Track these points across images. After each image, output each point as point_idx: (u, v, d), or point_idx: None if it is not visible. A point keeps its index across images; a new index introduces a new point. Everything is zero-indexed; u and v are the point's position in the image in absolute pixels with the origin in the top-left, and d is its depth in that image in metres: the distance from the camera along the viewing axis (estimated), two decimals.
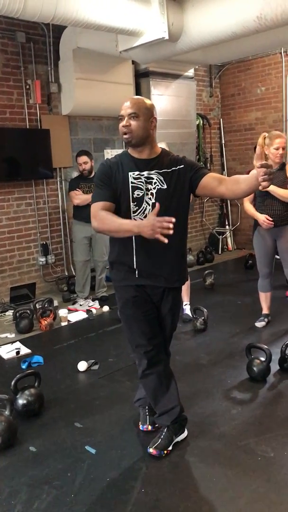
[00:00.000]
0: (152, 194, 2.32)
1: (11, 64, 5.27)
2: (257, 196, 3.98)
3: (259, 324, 4.30)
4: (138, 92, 6.25)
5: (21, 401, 2.90)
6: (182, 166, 2.36)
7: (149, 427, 2.71)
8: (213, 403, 3.02)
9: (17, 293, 5.34)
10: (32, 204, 5.60)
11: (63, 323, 4.71)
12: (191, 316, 4.50)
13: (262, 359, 3.28)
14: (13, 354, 3.96)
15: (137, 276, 2.39)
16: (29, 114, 5.46)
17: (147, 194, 2.31)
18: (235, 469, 2.36)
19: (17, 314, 4.58)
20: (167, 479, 2.31)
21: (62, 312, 4.76)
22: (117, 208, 2.30)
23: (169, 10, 4.26)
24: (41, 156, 5.49)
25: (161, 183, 2.32)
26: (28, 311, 4.61)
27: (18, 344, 4.15)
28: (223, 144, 8.01)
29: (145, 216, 2.29)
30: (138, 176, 2.31)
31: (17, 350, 4.01)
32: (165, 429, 2.54)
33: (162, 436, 2.53)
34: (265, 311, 4.37)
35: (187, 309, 4.66)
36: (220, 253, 7.76)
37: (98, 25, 4.03)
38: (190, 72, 6.74)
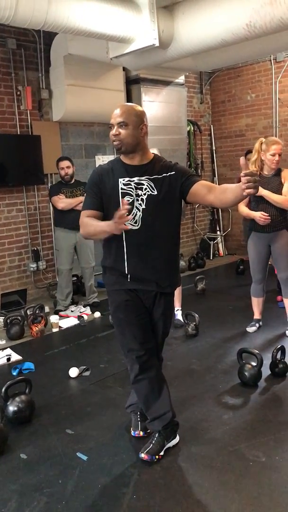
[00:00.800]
0: (142, 200, 2.34)
1: (2, 70, 5.28)
2: (252, 201, 3.99)
3: (250, 329, 4.31)
4: (129, 98, 6.28)
5: (11, 408, 2.88)
6: (173, 172, 2.38)
7: (141, 433, 2.70)
8: (205, 408, 3.01)
9: (8, 299, 5.31)
10: (23, 210, 5.59)
11: (54, 329, 4.69)
12: (182, 321, 4.50)
13: (254, 364, 3.28)
14: (4, 360, 3.94)
15: (129, 280, 2.40)
16: (20, 120, 5.47)
17: (137, 200, 2.34)
18: (227, 474, 2.36)
19: (8, 321, 4.55)
20: (159, 484, 2.30)
21: (53, 318, 4.73)
22: (108, 214, 2.32)
23: (160, 17, 4.29)
24: (32, 162, 5.49)
25: (152, 189, 2.34)
26: (19, 318, 4.59)
27: (9, 351, 4.13)
28: (214, 150, 8.06)
29: (135, 222, 2.32)
30: (128, 182, 2.33)
31: (8, 356, 3.98)
32: (157, 435, 2.53)
33: (153, 442, 2.52)
34: (256, 316, 4.38)
35: (178, 315, 4.65)
36: (211, 258, 7.78)
37: (89, 31, 4.05)
38: (181, 79, 6.79)
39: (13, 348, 4.22)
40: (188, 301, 5.07)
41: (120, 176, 2.35)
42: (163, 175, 2.37)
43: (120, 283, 2.42)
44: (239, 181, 2.20)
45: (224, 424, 2.82)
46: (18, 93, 5.40)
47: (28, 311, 4.76)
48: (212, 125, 8.06)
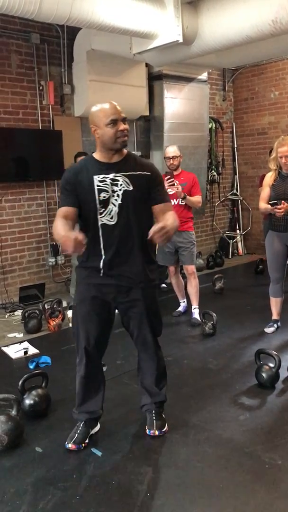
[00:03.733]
0: (118, 195, 2.38)
1: (25, 65, 5.30)
2: (271, 200, 3.94)
3: (268, 330, 4.27)
4: (151, 94, 6.26)
5: (28, 401, 2.90)
6: (149, 174, 2.45)
7: (156, 432, 2.68)
8: (221, 408, 2.99)
9: (26, 293, 5.36)
10: (43, 205, 5.62)
11: (72, 324, 4.70)
12: (199, 320, 4.48)
13: (271, 365, 3.24)
14: (21, 354, 3.97)
15: (101, 275, 2.44)
16: (42, 115, 5.49)
17: (113, 196, 2.37)
18: (242, 476, 2.33)
19: (26, 314, 4.58)
20: (174, 483, 2.29)
21: (71, 313, 4.74)
22: (85, 210, 2.38)
23: (184, 13, 4.26)
24: (53, 157, 5.51)
25: (127, 185, 2.39)
26: (37, 311, 4.62)
27: (26, 344, 4.16)
28: (235, 148, 7.98)
29: (112, 217, 2.38)
30: (104, 179, 2.37)
31: (25, 350, 4.01)
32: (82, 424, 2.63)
33: (78, 431, 2.60)
34: (275, 316, 4.33)
35: (195, 313, 4.64)
36: (230, 257, 7.72)
37: (112, 27, 4.04)
38: (204, 76, 6.74)
39: (30, 341, 4.25)
40: (206, 300, 5.04)
41: (94, 173, 2.38)
42: (139, 172, 2.42)
43: (92, 277, 2.45)
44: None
45: (240, 425, 2.79)
46: (41, 88, 5.43)
47: (46, 305, 4.79)
48: (234, 123, 7.98)
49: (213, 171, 7.53)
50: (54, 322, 4.55)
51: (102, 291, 2.46)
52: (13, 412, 2.65)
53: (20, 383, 2.92)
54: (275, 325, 4.30)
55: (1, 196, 5.25)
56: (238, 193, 8.01)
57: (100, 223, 2.39)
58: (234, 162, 8.02)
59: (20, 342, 4.22)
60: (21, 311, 4.82)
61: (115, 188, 2.37)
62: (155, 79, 6.25)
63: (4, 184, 5.24)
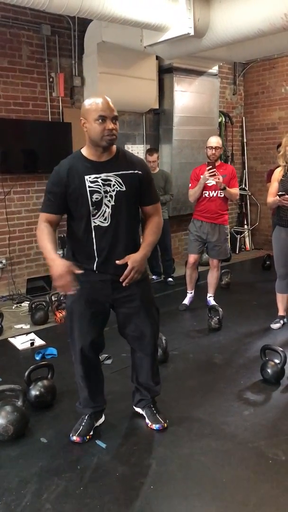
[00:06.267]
0: (111, 196, 2.32)
1: (36, 56, 5.29)
2: (281, 191, 3.93)
3: (274, 326, 4.26)
4: (161, 87, 6.24)
5: (33, 392, 2.92)
6: (141, 173, 2.39)
7: (165, 425, 2.70)
8: (226, 403, 3.00)
9: (34, 284, 5.38)
10: None
11: None
12: (216, 304, 4.50)
13: (277, 361, 3.24)
14: (28, 345, 3.99)
15: (96, 271, 2.41)
16: (52, 107, 5.49)
17: (106, 197, 2.32)
18: (245, 471, 2.34)
19: (33, 306, 4.61)
20: (177, 477, 2.30)
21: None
22: (77, 212, 2.33)
23: (196, 6, 4.23)
24: (62, 149, 5.49)
25: (120, 185, 2.33)
26: (44, 303, 4.64)
27: (32, 336, 4.18)
28: (245, 143, 7.94)
29: (105, 219, 2.33)
30: (95, 179, 2.30)
31: (32, 341, 4.04)
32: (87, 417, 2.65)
33: (83, 423, 2.62)
34: (281, 312, 4.32)
35: (211, 301, 4.82)
36: (237, 252, 7.70)
37: (123, 19, 4.02)
38: (214, 69, 6.69)
39: (37, 333, 4.27)
40: None
41: (85, 173, 2.30)
42: (130, 171, 2.36)
43: (86, 275, 2.38)
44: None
45: (244, 420, 2.80)
46: (51, 79, 5.42)
47: (53, 297, 4.81)
48: (244, 117, 7.93)
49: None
50: (61, 314, 4.57)
51: (97, 288, 2.42)
52: (19, 403, 2.67)
53: (26, 374, 2.95)
54: (281, 321, 4.29)
55: (10, 187, 5.26)
56: (247, 188, 7.98)
57: (93, 225, 2.33)
58: (243, 157, 7.98)
59: (27, 334, 4.25)
60: (28, 302, 4.84)
61: (108, 189, 2.30)
62: (165, 72, 6.22)
63: (13, 176, 5.25)
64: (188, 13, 4.19)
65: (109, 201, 2.32)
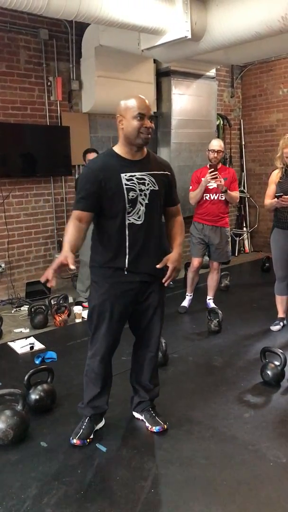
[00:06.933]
0: (145, 195, 2.37)
1: (33, 61, 5.30)
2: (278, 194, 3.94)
3: (274, 328, 4.26)
4: (159, 91, 6.24)
5: (33, 396, 2.92)
6: (169, 174, 2.49)
7: (165, 426, 2.70)
8: (226, 406, 2.99)
9: (33, 288, 5.37)
10: (50, 201, 5.63)
11: (78, 320, 4.72)
12: (216, 307, 4.50)
13: (277, 363, 3.24)
14: (27, 349, 3.99)
15: (126, 273, 2.42)
16: (50, 111, 5.49)
17: (141, 195, 2.36)
18: (246, 474, 2.34)
19: (32, 310, 4.60)
20: (177, 480, 2.30)
21: (77, 309, 4.77)
22: (112, 209, 2.34)
23: (193, 9, 4.24)
24: (60, 153, 5.52)
25: (153, 185, 2.39)
26: (43, 307, 4.64)
27: (32, 339, 4.17)
28: (243, 145, 7.95)
29: (139, 217, 2.37)
30: (131, 177, 2.34)
31: (31, 345, 4.03)
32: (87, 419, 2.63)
33: (83, 426, 2.61)
34: (280, 314, 4.32)
35: (211, 303, 4.82)
36: (236, 255, 7.70)
37: (121, 23, 4.03)
38: (212, 72, 6.70)
39: (36, 337, 4.27)
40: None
41: (121, 171, 2.33)
42: (161, 172, 2.44)
43: (116, 276, 2.41)
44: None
45: (245, 422, 2.79)
46: (49, 83, 5.43)
47: (52, 301, 4.81)
48: (242, 120, 7.95)
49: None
50: (60, 318, 4.57)
51: (125, 289, 2.43)
52: (19, 407, 2.66)
53: (26, 378, 2.94)
54: (281, 323, 4.29)
55: (9, 191, 5.26)
56: (245, 191, 7.98)
57: (127, 222, 2.35)
58: (242, 160, 7.99)
59: (26, 337, 4.24)
60: (28, 306, 4.84)
61: (142, 187, 2.35)
62: (163, 76, 6.23)
63: (11, 180, 5.25)
64: (185, 17, 4.20)
65: (143, 199, 2.37)
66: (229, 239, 4.81)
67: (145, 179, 2.36)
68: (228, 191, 4.46)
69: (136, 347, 2.74)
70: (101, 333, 2.51)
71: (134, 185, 2.33)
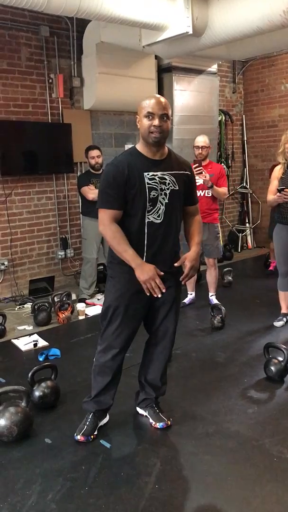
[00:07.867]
0: (165, 194, 2.39)
1: (35, 58, 5.30)
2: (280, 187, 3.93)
3: (277, 324, 4.26)
4: (160, 87, 6.22)
5: (37, 393, 2.93)
6: (189, 173, 2.51)
7: (169, 422, 2.71)
8: (229, 401, 2.99)
9: (36, 286, 5.38)
10: (53, 198, 5.63)
11: (81, 317, 4.73)
12: (218, 303, 4.49)
13: (280, 359, 3.24)
14: (31, 346, 4.00)
15: None
16: (51, 108, 5.49)
17: (161, 195, 2.38)
18: (250, 469, 2.34)
19: (36, 307, 4.61)
20: (182, 476, 2.31)
21: (80, 306, 4.78)
22: (133, 207, 2.35)
23: (194, 4, 4.22)
24: (62, 150, 5.52)
25: (174, 184, 2.41)
26: (47, 304, 4.65)
27: (35, 337, 4.18)
28: (245, 141, 7.93)
29: (158, 216, 2.38)
30: (153, 176, 2.36)
31: (35, 342, 4.04)
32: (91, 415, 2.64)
33: (87, 423, 2.62)
34: (284, 310, 4.31)
35: (213, 300, 4.80)
36: (239, 251, 7.70)
37: (122, 19, 4.02)
38: (213, 68, 6.68)
39: (40, 334, 4.28)
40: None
41: (144, 170, 2.35)
42: (182, 171, 2.46)
43: (134, 273, 2.38)
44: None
45: (248, 418, 2.80)
46: (50, 81, 5.42)
47: (55, 298, 4.81)
48: (244, 115, 7.92)
49: (222, 164, 7.49)
50: (64, 315, 4.58)
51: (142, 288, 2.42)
52: (23, 404, 2.67)
53: (29, 375, 2.95)
54: (284, 319, 4.28)
55: (11, 189, 5.26)
56: (248, 186, 7.97)
57: (147, 220, 2.36)
58: (244, 155, 7.97)
59: (30, 335, 4.25)
60: (31, 303, 4.85)
61: (163, 187, 2.37)
62: (164, 72, 6.21)
63: (13, 178, 5.25)
64: (186, 12, 4.19)
65: (163, 198, 2.38)
66: (219, 235, 4.79)
67: (166, 179, 2.38)
68: (215, 186, 4.45)
69: (150, 343, 2.73)
70: (113, 328, 2.50)
71: (156, 184, 2.35)
